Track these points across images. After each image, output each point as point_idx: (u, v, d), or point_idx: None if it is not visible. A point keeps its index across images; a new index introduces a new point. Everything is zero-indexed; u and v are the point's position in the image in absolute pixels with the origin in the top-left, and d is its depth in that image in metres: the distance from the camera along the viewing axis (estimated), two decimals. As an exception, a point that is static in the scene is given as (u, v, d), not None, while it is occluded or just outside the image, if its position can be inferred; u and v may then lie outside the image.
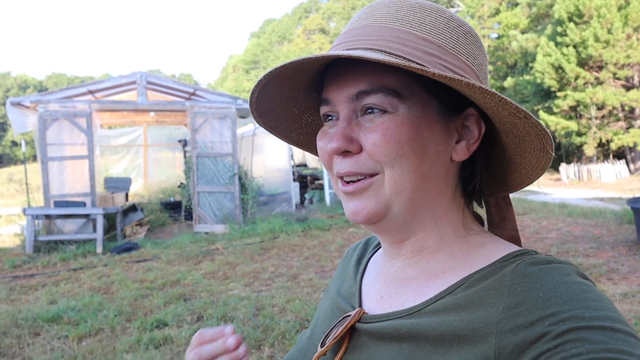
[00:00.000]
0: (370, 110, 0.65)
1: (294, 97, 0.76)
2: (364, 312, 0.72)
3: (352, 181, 0.68)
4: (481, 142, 0.69)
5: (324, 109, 0.71)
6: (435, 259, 0.70)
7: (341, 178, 0.69)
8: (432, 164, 0.66)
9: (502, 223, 0.78)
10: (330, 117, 0.71)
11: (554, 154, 0.66)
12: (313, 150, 0.86)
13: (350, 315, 0.72)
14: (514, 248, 0.67)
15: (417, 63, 0.60)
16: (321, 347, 0.72)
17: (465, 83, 0.55)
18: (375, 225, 0.69)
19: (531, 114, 0.60)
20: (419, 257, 0.71)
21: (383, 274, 0.77)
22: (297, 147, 0.87)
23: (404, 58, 0.61)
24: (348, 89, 0.65)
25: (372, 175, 0.66)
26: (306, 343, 0.83)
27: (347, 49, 0.64)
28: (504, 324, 0.54)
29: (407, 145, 0.64)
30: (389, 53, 0.61)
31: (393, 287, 0.73)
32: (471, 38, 0.68)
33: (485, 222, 0.79)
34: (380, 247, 0.87)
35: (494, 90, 0.57)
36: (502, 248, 0.68)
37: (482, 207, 0.79)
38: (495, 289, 0.59)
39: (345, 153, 0.66)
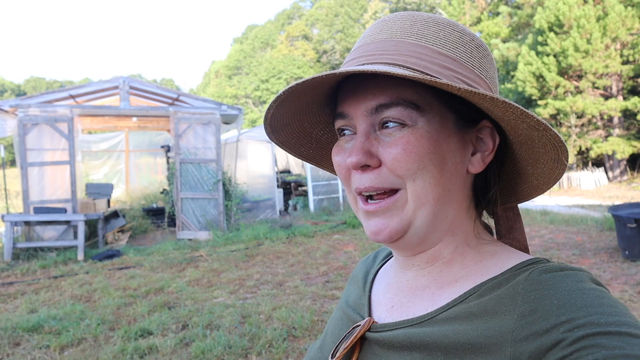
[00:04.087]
0: (388, 124, 0.65)
1: (308, 111, 0.76)
2: (373, 322, 0.72)
3: (373, 198, 0.67)
4: (495, 154, 0.70)
5: (339, 123, 0.70)
6: (447, 267, 0.70)
7: (360, 194, 0.69)
8: (451, 176, 0.67)
9: (510, 233, 0.78)
10: (345, 131, 0.70)
11: (568, 164, 0.67)
12: (322, 164, 0.87)
13: (360, 325, 0.72)
14: (526, 257, 0.67)
15: (433, 76, 0.61)
16: (332, 357, 0.72)
17: (484, 96, 0.56)
18: (396, 242, 0.69)
19: (550, 126, 0.60)
20: (432, 266, 0.71)
21: (394, 284, 0.77)
22: (307, 161, 0.87)
23: (421, 72, 0.62)
24: (367, 102, 0.65)
25: (393, 191, 0.66)
26: (317, 354, 0.83)
27: (365, 64, 0.64)
28: (519, 332, 0.54)
29: (427, 158, 0.64)
30: (407, 67, 0.62)
31: (404, 296, 0.73)
32: (483, 51, 0.69)
33: (494, 232, 0.79)
34: (389, 258, 0.88)
35: (515, 103, 0.57)
36: (514, 256, 0.68)
37: (491, 217, 0.80)
38: (509, 297, 0.59)
39: (364, 167, 0.66)
